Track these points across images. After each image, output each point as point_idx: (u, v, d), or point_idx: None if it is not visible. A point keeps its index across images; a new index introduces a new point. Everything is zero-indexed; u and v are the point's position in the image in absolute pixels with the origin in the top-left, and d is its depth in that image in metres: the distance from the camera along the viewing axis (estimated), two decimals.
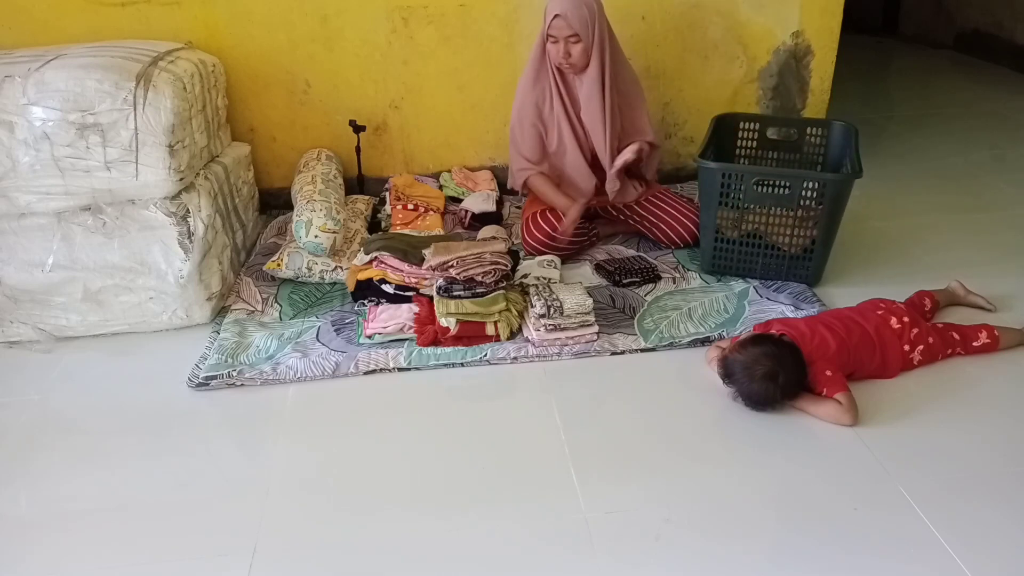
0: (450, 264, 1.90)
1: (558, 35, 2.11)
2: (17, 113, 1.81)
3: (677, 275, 2.18)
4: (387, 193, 2.54)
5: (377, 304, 2.02)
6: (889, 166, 2.92)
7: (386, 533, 1.38)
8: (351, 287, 2.06)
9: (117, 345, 1.98)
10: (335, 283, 2.17)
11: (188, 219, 1.94)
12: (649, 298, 2.07)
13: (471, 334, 1.88)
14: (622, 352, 1.86)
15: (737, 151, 2.40)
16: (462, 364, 1.83)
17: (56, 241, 1.90)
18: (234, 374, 1.79)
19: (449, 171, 2.73)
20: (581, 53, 2.12)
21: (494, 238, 2.17)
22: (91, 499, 1.49)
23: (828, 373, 1.63)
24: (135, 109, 1.83)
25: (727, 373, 1.65)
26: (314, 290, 2.16)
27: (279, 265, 2.16)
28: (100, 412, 1.74)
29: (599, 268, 2.21)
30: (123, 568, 1.34)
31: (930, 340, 1.76)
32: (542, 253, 2.22)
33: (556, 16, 2.09)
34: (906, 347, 1.73)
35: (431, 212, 2.44)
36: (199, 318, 2.02)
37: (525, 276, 2.05)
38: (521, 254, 2.26)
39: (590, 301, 1.88)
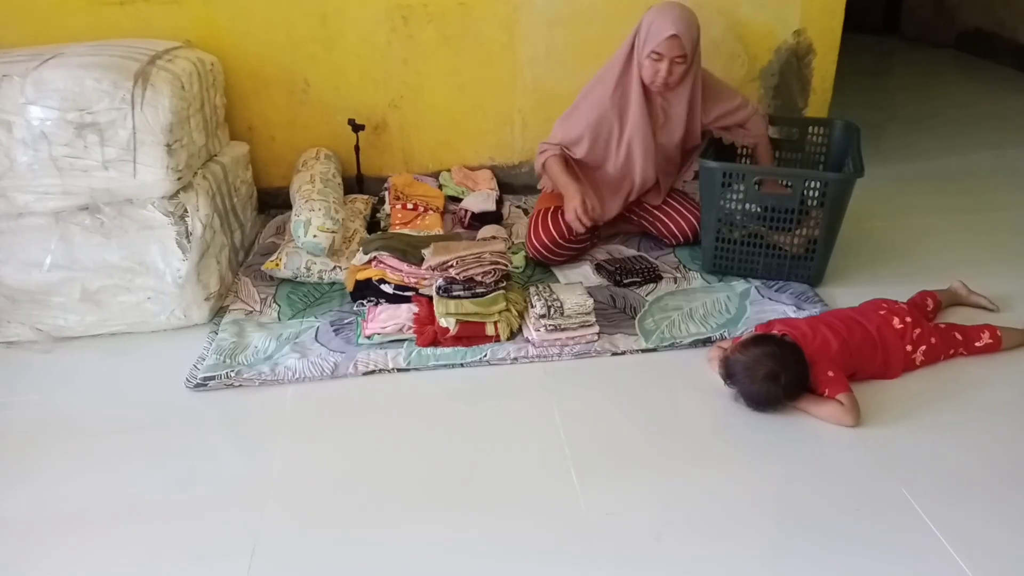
0: (450, 264, 1.89)
1: (667, 54, 2.02)
2: (15, 112, 1.80)
3: (678, 275, 2.17)
4: (386, 192, 2.53)
5: (376, 304, 2.01)
6: (891, 165, 2.91)
7: (385, 534, 1.38)
8: (350, 287, 2.05)
9: (115, 345, 1.97)
10: (334, 283, 2.16)
11: (186, 219, 1.93)
12: (650, 298, 2.06)
13: (471, 334, 1.87)
14: (623, 352, 1.85)
15: (739, 150, 2.40)
16: (462, 365, 1.82)
17: (54, 241, 1.89)
18: (232, 374, 1.79)
19: (449, 170, 2.73)
20: (682, 73, 2.06)
21: (494, 238, 2.17)
22: (89, 499, 1.48)
23: (830, 374, 1.62)
24: (133, 108, 1.82)
25: (728, 373, 1.65)
26: (313, 290, 2.15)
27: (277, 265, 2.16)
28: (98, 413, 1.73)
29: (600, 268, 2.20)
30: (122, 568, 1.34)
31: (932, 340, 1.75)
32: (545, 257, 2.21)
33: (673, 36, 1.99)
34: (908, 347, 1.72)
35: (430, 212, 2.44)
36: (197, 318, 2.01)
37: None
38: (522, 254, 2.25)
39: (590, 301, 1.87)
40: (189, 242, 1.93)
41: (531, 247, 2.22)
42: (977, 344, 1.78)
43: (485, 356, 1.84)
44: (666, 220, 2.30)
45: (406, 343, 1.88)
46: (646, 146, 2.18)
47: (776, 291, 2.07)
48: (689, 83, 2.13)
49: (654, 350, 1.86)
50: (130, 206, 1.89)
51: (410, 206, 2.43)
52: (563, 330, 1.85)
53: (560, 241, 2.18)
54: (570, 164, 2.23)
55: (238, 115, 2.53)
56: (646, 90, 2.13)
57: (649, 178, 2.24)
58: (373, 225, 2.44)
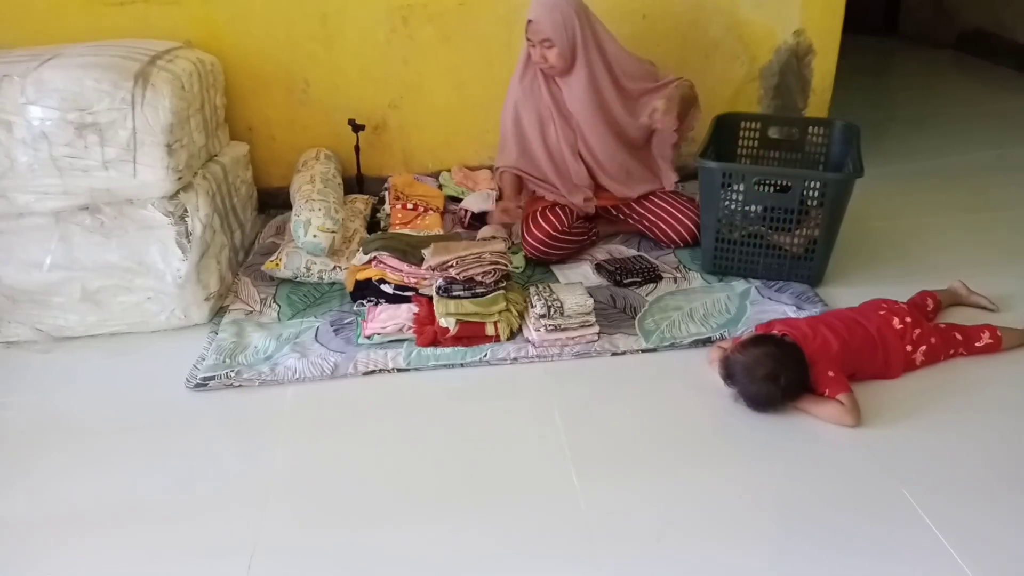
0: (449, 264, 1.89)
1: (533, 39, 2.12)
2: (16, 112, 1.80)
3: (678, 275, 2.17)
4: (386, 192, 2.53)
5: (376, 304, 2.01)
6: (891, 165, 2.90)
7: (385, 534, 1.38)
8: (350, 287, 2.05)
9: (115, 345, 1.97)
10: (334, 283, 2.16)
11: (186, 219, 1.93)
12: (650, 298, 2.06)
13: (471, 334, 1.87)
14: (623, 353, 1.85)
15: (738, 150, 2.40)
16: (462, 365, 1.82)
17: (54, 241, 1.89)
18: (232, 375, 1.78)
19: (448, 170, 2.73)
20: (557, 57, 2.11)
21: (494, 238, 2.16)
22: (89, 499, 1.48)
23: (830, 374, 1.62)
24: (133, 108, 1.82)
25: (728, 374, 1.64)
26: (313, 290, 2.15)
27: (277, 265, 2.15)
28: (98, 413, 1.73)
29: (600, 268, 2.20)
30: (120, 569, 1.34)
31: (932, 340, 1.75)
32: (543, 252, 2.21)
33: (529, 22, 2.10)
34: (908, 347, 1.72)
35: (430, 211, 2.43)
36: (197, 318, 2.01)
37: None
38: (522, 254, 2.25)
39: (591, 301, 1.87)
40: (189, 242, 1.93)
41: (528, 246, 2.22)
42: (977, 344, 1.78)
43: (485, 356, 1.83)
44: (662, 225, 2.30)
45: (406, 343, 1.88)
46: (565, 132, 2.22)
47: (776, 291, 2.07)
48: (584, 69, 2.14)
49: (654, 350, 1.86)
50: (130, 206, 1.89)
51: (410, 206, 2.43)
52: (563, 330, 1.85)
53: (554, 234, 2.18)
54: (521, 181, 2.32)
55: (238, 115, 2.53)
56: (546, 75, 2.21)
57: (575, 164, 2.25)
58: (373, 225, 2.43)
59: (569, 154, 2.25)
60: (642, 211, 2.33)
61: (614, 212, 2.37)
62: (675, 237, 2.29)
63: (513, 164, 2.29)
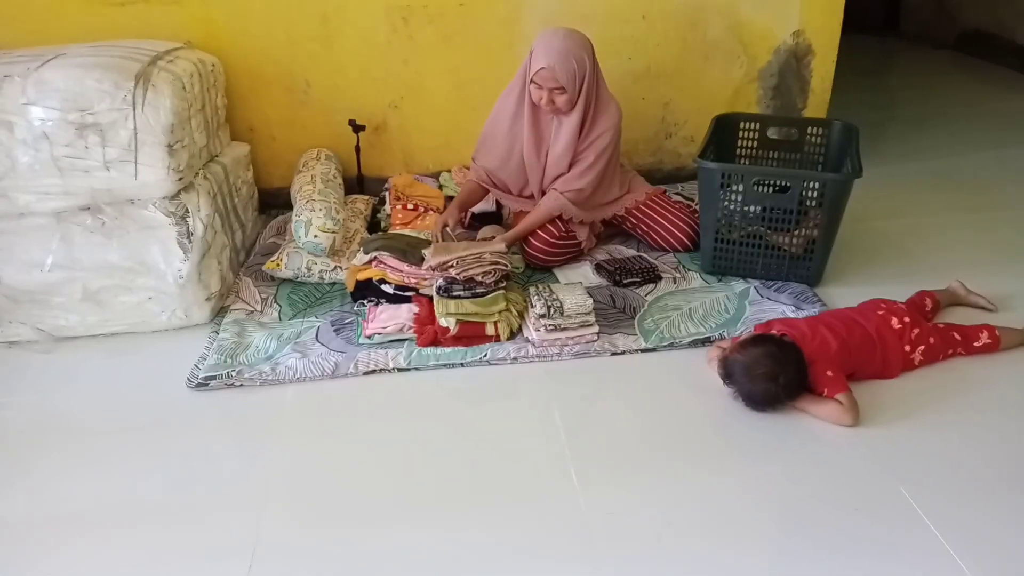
0: (450, 264, 1.89)
1: (543, 84, 2.06)
2: (16, 113, 1.80)
3: (678, 275, 2.17)
4: (387, 193, 2.53)
5: (377, 304, 2.01)
6: (890, 166, 2.91)
7: (385, 534, 1.38)
8: (350, 287, 2.05)
9: (116, 345, 1.97)
10: (334, 283, 2.17)
11: (187, 219, 1.93)
12: (649, 298, 2.06)
13: (471, 334, 1.87)
14: (622, 352, 1.85)
15: (738, 151, 2.40)
16: (462, 364, 1.83)
17: (55, 241, 1.89)
18: (233, 374, 1.79)
19: (449, 171, 2.73)
20: (566, 103, 2.08)
21: (494, 238, 2.17)
22: (89, 499, 1.49)
23: (829, 373, 1.62)
24: (134, 109, 1.82)
25: (728, 373, 1.65)
26: (313, 290, 2.16)
27: (278, 265, 2.16)
28: (99, 413, 1.74)
29: (599, 268, 2.20)
30: (120, 569, 1.34)
31: (931, 340, 1.75)
32: (544, 261, 2.21)
33: (542, 68, 2.03)
34: (907, 347, 1.72)
35: (431, 212, 2.44)
36: (198, 318, 2.01)
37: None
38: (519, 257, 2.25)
39: (590, 301, 1.88)
40: (190, 242, 1.93)
41: (530, 256, 2.21)
42: (976, 344, 1.78)
43: (485, 356, 1.84)
44: (659, 229, 2.30)
45: (406, 343, 1.89)
46: (534, 166, 2.22)
47: (775, 291, 2.07)
48: (580, 113, 2.11)
49: (653, 350, 1.86)
50: (131, 206, 1.89)
51: (410, 206, 2.43)
52: (563, 330, 1.85)
53: (552, 240, 2.18)
54: (482, 193, 2.33)
55: (239, 115, 2.53)
56: (535, 108, 2.16)
57: (539, 196, 2.26)
58: (374, 225, 2.44)
59: (537, 187, 2.26)
60: (639, 215, 2.33)
61: (608, 218, 2.37)
62: (673, 242, 2.29)
63: (484, 169, 2.28)
